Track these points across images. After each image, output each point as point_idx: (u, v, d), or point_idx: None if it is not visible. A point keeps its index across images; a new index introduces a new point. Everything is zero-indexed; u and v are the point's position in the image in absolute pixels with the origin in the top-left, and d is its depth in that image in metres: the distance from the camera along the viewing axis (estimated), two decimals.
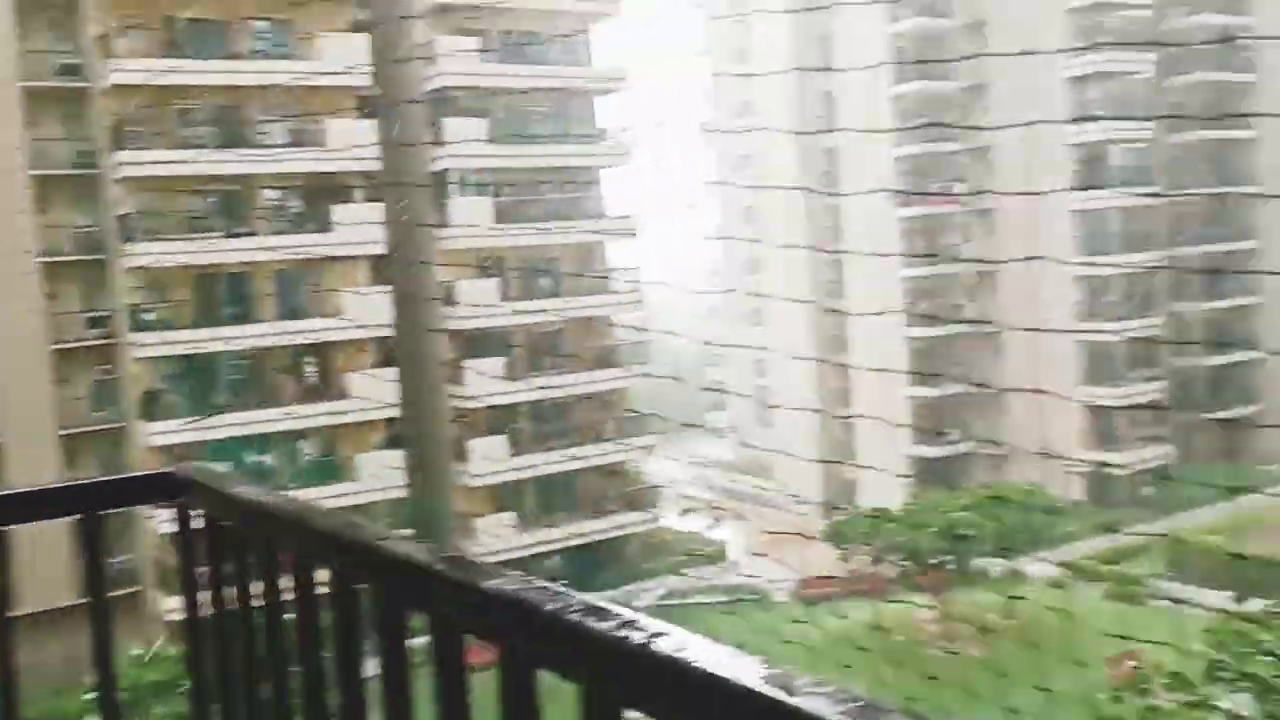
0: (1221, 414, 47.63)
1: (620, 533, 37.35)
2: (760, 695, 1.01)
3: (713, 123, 61.34)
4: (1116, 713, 20.01)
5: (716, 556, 41.27)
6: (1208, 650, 21.77)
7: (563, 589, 1.28)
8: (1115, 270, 44.46)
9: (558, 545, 36.11)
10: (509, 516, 35.59)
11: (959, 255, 48.53)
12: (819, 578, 36.29)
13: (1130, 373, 46.61)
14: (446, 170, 35.08)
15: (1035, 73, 44.20)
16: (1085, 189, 44.34)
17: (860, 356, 48.09)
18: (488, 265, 36.21)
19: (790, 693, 1.00)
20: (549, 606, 1.23)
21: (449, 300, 32.63)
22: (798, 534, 33.62)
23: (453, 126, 34.21)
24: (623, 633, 1.14)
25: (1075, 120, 45.06)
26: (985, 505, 33.63)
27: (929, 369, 48.09)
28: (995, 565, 34.12)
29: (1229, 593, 29.90)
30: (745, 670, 1.04)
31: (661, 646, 1.10)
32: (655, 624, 1.14)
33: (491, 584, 1.32)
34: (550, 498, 37.40)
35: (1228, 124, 49.20)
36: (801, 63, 50.64)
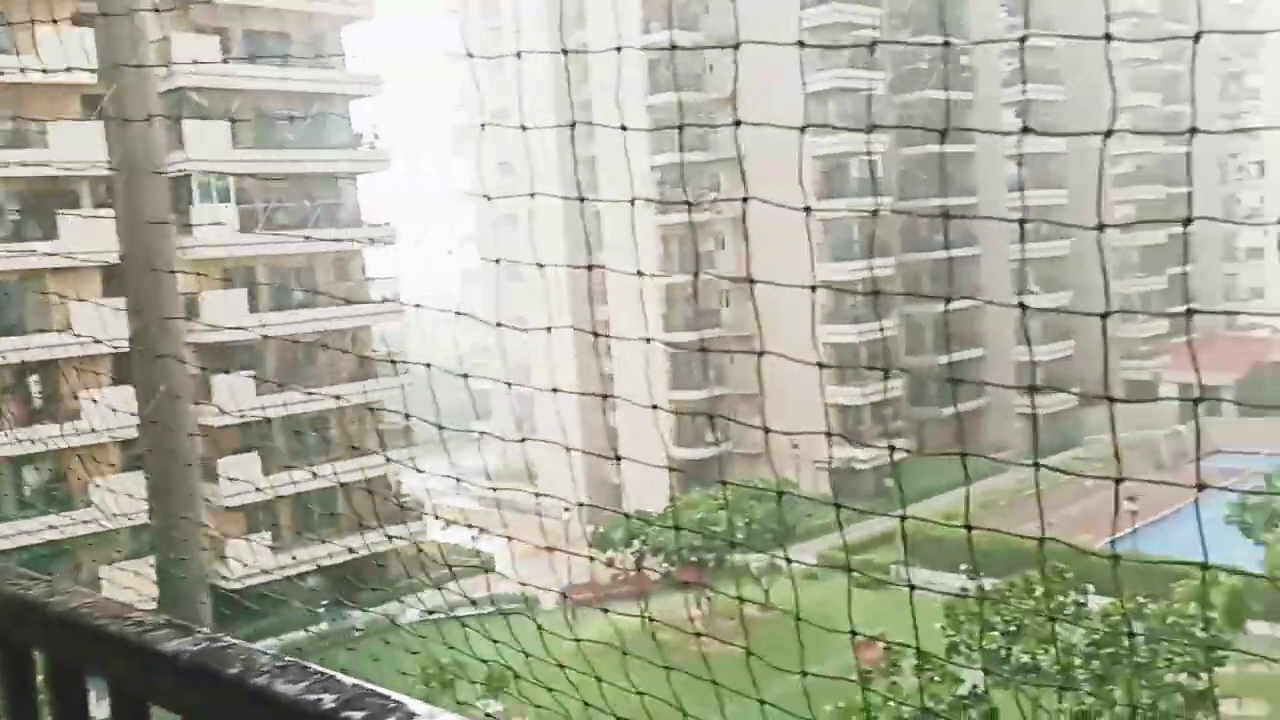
0: (952, 409, 51.38)
1: (382, 548, 36.42)
2: None
3: (468, 128, 60.91)
4: (867, 694, 21.25)
5: (483, 568, 40.91)
6: (947, 630, 23.52)
7: (255, 648, 1.19)
8: (856, 275, 47.15)
9: (316, 564, 34.81)
10: (263, 537, 34.04)
11: (714, 261, 50.17)
12: (586, 584, 36.64)
13: (872, 373, 49.57)
14: (188, 175, 33.20)
15: (779, 87, 46.32)
16: (827, 197, 46.83)
17: (621, 360, 48.91)
18: (235, 276, 34.53)
19: None
20: (232, 670, 1.15)
21: (192, 313, 30.91)
22: (563, 540, 33.82)
23: (193, 129, 32.46)
24: (313, 696, 1.07)
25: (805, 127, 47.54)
26: (742, 503, 34.91)
27: (687, 372, 49.46)
28: (753, 560, 35.46)
29: (963, 575, 32.26)
30: None
31: (353, 713, 1.03)
32: (354, 685, 1.07)
33: (172, 645, 1.21)
34: (308, 516, 36.04)
35: (951, 139, 53.22)
36: (557, 72, 51.07)
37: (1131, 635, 21.91)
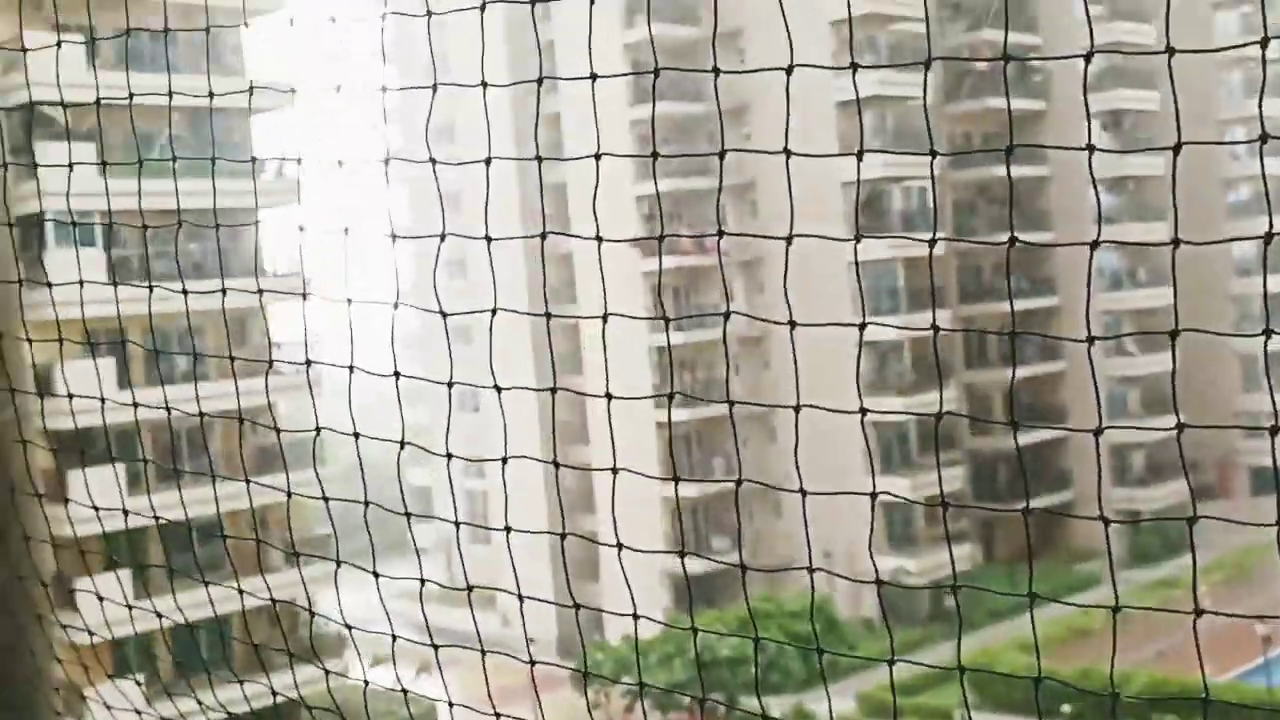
0: (1029, 504, 51.28)
1: (291, 694, 35.94)
2: None
3: (401, 151, 61.26)
4: None
5: (425, 718, 40.39)
6: None
7: None
8: (902, 335, 47.26)
9: (205, 717, 34.31)
10: (133, 681, 33.58)
11: (716, 314, 50.30)
12: None
13: (925, 459, 49.50)
14: (41, 212, 33.28)
15: (802, 95, 46.73)
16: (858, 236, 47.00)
17: (603, 450, 48.70)
18: (101, 340, 34.48)
19: None
20: None
21: (45, 389, 30.75)
22: (529, 680, 33.40)
23: (49, 153, 32.62)
24: None
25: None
26: (761, 626, 34.63)
27: (687, 459, 49.31)
28: (774, 702, 35.12)
29: None
30: None
31: None
32: None
33: None
34: (192, 652, 35.59)
35: (1019, 158, 53.69)
36: (516, 76, 51.54)
37: None
